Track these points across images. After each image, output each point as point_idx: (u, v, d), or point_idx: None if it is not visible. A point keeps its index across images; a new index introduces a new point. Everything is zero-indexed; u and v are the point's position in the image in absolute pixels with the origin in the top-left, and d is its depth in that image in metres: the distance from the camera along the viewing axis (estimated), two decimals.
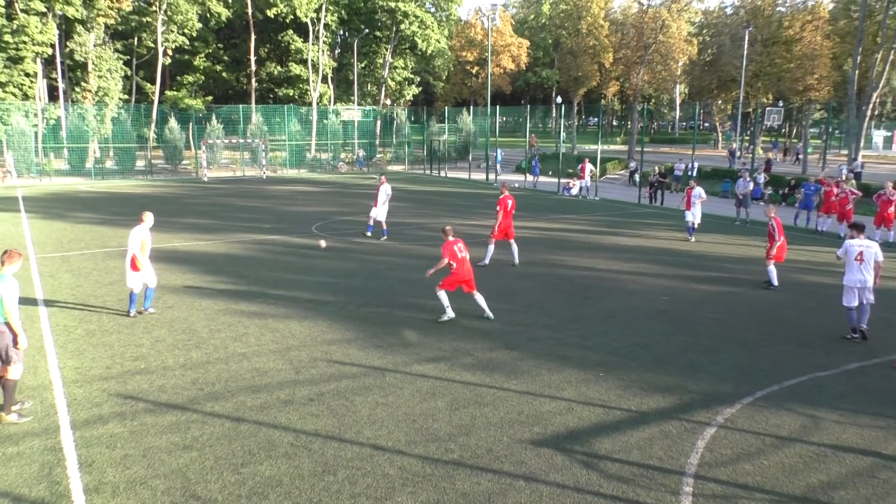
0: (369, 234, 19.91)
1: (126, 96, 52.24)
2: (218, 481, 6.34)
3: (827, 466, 6.74)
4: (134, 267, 11.29)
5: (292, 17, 53.17)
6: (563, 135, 45.43)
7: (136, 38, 53.70)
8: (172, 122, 45.43)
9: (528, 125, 45.19)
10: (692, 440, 7.24)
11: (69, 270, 15.27)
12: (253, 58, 57.18)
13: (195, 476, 6.43)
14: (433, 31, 59.53)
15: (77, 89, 47.15)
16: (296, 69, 57.90)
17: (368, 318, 11.69)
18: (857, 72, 39.43)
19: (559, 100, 61.76)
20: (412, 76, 63.97)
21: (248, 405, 8.03)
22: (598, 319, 11.79)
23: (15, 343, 7.50)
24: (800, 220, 23.37)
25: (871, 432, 7.50)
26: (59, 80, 45.49)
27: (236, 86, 63.73)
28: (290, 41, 57.01)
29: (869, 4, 42.99)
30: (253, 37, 56.43)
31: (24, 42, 40.24)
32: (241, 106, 52.71)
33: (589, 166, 32.97)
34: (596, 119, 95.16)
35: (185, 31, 51.18)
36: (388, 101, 63.11)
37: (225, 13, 54.26)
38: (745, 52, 47.48)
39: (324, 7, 54.68)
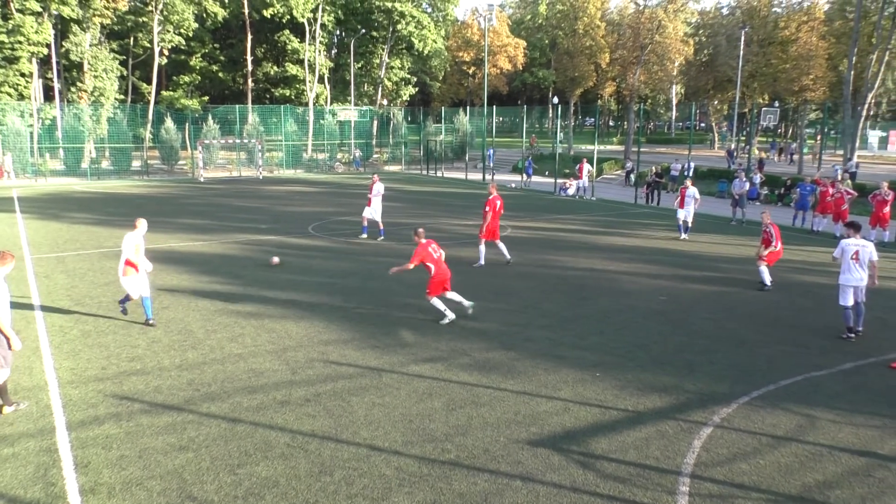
0: (364, 235, 19.88)
1: (122, 96, 52.14)
2: (214, 482, 6.33)
3: (823, 466, 6.76)
4: (125, 273, 10.92)
5: (289, 17, 53.10)
6: (559, 135, 45.46)
7: (132, 38, 53.58)
8: (169, 123, 45.32)
9: (524, 125, 45.27)
10: (689, 440, 7.25)
11: (65, 271, 15.23)
12: (249, 58, 57.11)
13: (191, 477, 6.41)
14: (430, 31, 59.53)
15: (73, 89, 47.02)
16: (292, 69, 57.83)
17: (365, 319, 11.68)
18: (852, 72, 39.52)
19: (556, 100, 61.75)
20: (409, 76, 63.96)
21: (245, 406, 8.02)
22: (594, 319, 11.80)
23: (9, 346, 7.48)
24: (796, 220, 23.44)
25: (867, 432, 7.53)
26: (55, 80, 45.37)
27: (233, 86, 63.64)
28: (287, 41, 56.94)
29: (864, 5, 43.08)
30: (249, 37, 56.35)
31: (20, 42, 40.13)
32: (237, 106, 52.66)
33: (587, 166, 33.02)
34: (592, 119, 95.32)
35: (182, 31, 51.05)
36: (385, 102, 63.08)
37: (221, 13, 54.14)
38: (742, 52, 47.62)
39: (320, 7, 54.62)
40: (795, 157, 48.24)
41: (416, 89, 67.61)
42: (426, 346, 10.29)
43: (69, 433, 7.28)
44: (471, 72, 74.23)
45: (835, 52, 54.52)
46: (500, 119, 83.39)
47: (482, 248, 16.00)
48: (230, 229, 21.44)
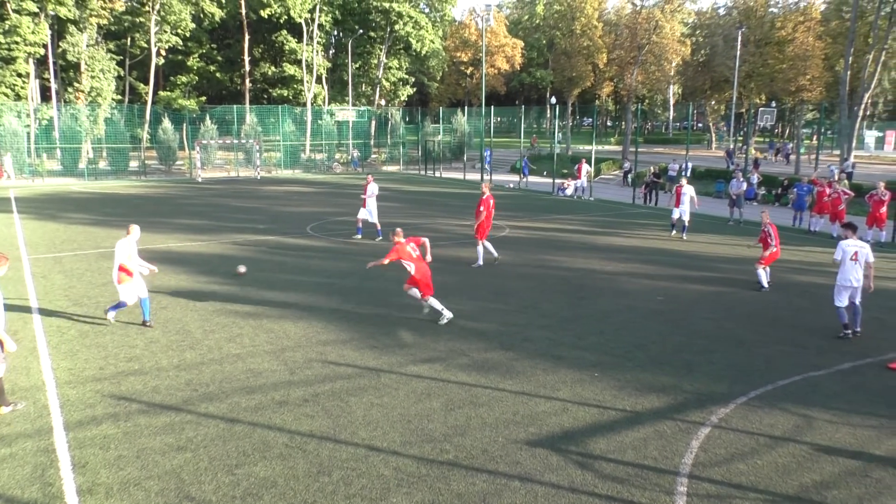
0: (359, 236, 19.87)
1: (119, 97, 52.01)
2: (212, 482, 6.32)
3: (820, 466, 6.77)
4: (120, 280, 10.82)
5: (286, 17, 53.09)
6: (557, 135, 45.51)
7: (129, 39, 53.49)
8: (166, 123, 45.26)
9: (522, 126, 45.29)
10: (687, 440, 7.26)
11: (62, 271, 15.20)
12: (247, 58, 57.07)
13: (189, 477, 6.40)
14: (427, 31, 59.53)
15: (70, 90, 46.93)
16: (290, 70, 57.81)
17: (363, 319, 11.68)
18: (848, 72, 39.62)
19: (553, 100, 61.80)
20: (407, 77, 63.94)
21: (243, 406, 8.01)
22: (593, 320, 11.81)
23: (1, 347, 7.47)
24: (796, 221, 23.48)
25: (865, 432, 7.54)
26: (52, 80, 45.27)
27: (230, 86, 63.59)
28: (284, 41, 56.92)
29: (860, 5, 43.21)
30: (247, 37, 56.32)
31: (17, 42, 40.05)
32: (235, 106, 52.56)
33: (585, 167, 33.05)
34: (590, 119, 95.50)
35: (179, 31, 50.98)
36: (383, 102, 63.08)
37: (218, 13, 54.12)
38: (738, 52, 47.68)
39: (318, 7, 54.60)
40: (792, 157, 48.34)
41: (414, 89, 67.60)
42: (424, 346, 10.28)
43: (67, 433, 7.26)
44: (468, 72, 74.27)
45: (831, 52, 54.60)
46: (498, 119, 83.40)
47: (480, 248, 16.00)
48: (228, 229, 21.42)
